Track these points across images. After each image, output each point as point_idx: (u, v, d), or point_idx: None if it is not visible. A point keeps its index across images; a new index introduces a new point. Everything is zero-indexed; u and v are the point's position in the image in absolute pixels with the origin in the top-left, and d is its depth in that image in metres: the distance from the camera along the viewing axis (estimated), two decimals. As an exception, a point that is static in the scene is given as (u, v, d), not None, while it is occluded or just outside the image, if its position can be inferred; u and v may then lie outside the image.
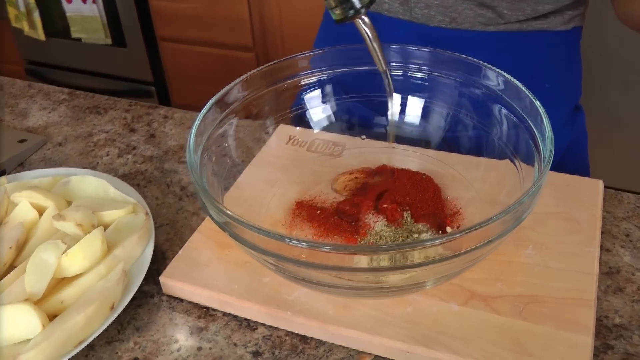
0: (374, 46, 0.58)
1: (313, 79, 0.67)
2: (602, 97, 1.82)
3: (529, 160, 0.56)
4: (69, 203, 0.68)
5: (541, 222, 0.62)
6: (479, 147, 0.63)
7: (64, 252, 0.59)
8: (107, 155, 0.81)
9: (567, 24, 0.77)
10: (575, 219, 0.62)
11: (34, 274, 0.58)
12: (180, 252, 0.63)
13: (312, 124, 0.69)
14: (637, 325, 0.55)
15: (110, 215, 0.65)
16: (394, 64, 0.64)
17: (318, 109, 0.68)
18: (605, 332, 0.54)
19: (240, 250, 0.61)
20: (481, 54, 0.64)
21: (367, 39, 0.57)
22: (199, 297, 0.59)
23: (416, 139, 0.68)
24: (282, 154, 0.73)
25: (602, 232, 0.63)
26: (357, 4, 0.55)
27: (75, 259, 0.59)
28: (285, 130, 0.74)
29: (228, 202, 0.66)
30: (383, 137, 0.69)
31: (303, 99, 0.67)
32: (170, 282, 0.60)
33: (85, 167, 0.78)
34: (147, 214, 0.65)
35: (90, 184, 0.70)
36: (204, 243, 0.63)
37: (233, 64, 2.17)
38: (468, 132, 0.64)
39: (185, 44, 2.19)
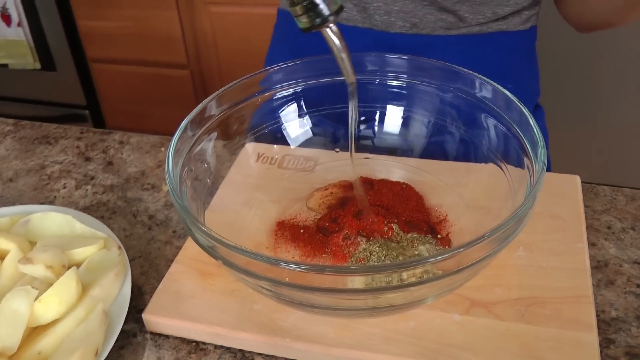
0: (342, 56, 0.55)
1: (288, 92, 0.65)
2: (559, 95, 1.87)
3: (516, 162, 0.56)
4: (33, 244, 0.63)
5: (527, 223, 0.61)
6: (463, 153, 0.63)
7: (36, 299, 0.54)
8: (64, 187, 0.76)
9: (525, 24, 0.78)
10: (559, 216, 0.62)
11: (5, 326, 0.53)
12: (160, 286, 0.59)
13: (289, 140, 0.67)
14: (634, 317, 0.55)
15: (81, 253, 0.60)
16: (370, 72, 0.63)
17: (294, 122, 0.66)
18: (604, 326, 0.55)
19: (229, 277, 0.59)
20: (443, 57, 0.64)
21: (335, 49, 0.54)
22: (188, 331, 0.56)
23: (396, 149, 0.67)
24: (254, 173, 0.70)
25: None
26: (325, 12, 0.52)
27: (50, 305, 0.54)
28: (253, 148, 0.71)
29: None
30: (360, 149, 0.67)
31: (278, 114, 0.65)
32: (155, 318, 0.56)
33: (42, 203, 0.73)
34: (119, 248, 0.61)
35: (53, 221, 0.65)
36: (184, 274, 0.60)
37: (168, 83, 2.12)
38: (450, 138, 0.63)
39: (117, 64, 2.12)
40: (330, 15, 0.52)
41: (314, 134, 0.67)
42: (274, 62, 0.64)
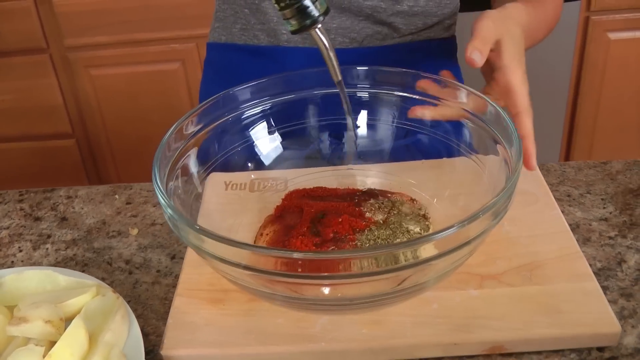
0: (330, 55, 0.58)
1: (257, 110, 0.65)
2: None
3: (487, 151, 0.60)
4: (11, 308, 0.58)
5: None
6: (436, 152, 0.66)
7: (45, 355, 0.50)
8: (20, 251, 0.70)
9: (448, 31, 0.85)
10: (529, 192, 0.68)
11: (18, 390, 0.48)
12: (170, 320, 0.56)
13: (261, 157, 0.67)
14: (616, 263, 0.61)
15: (76, 303, 0.56)
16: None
17: (265, 139, 0.67)
18: (596, 278, 0.60)
19: (240, 298, 0.57)
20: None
21: (324, 47, 0.57)
22: (214, 359, 0.54)
23: (370, 156, 0.69)
24: (226, 200, 0.69)
25: (548, 199, 0.69)
26: (315, 13, 0.55)
27: (63, 358, 0.50)
28: (217, 178, 0.70)
29: (191, 264, 0.62)
30: (336, 160, 0.69)
31: (249, 133, 0.65)
32: (176, 352, 0.54)
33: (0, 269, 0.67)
34: (114, 291, 0.58)
35: (31, 279, 0.60)
36: (192, 305, 0.58)
37: (54, 155, 2.02)
38: (422, 140, 0.66)
39: (-4, 143, 1.99)
40: (319, 16, 0.55)
41: (284, 148, 0.67)
42: (211, 93, 0.65)
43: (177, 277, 0.64)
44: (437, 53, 0.85)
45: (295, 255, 0.45)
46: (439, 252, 0.47)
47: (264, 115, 0.65)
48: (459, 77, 0.91)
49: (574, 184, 0.73)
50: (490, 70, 0.63)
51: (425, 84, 0.64)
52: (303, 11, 0.54)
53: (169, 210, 0.50)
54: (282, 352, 0.53)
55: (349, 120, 0.63)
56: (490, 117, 0.59)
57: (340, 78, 0.59)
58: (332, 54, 0.57)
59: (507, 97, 0.61)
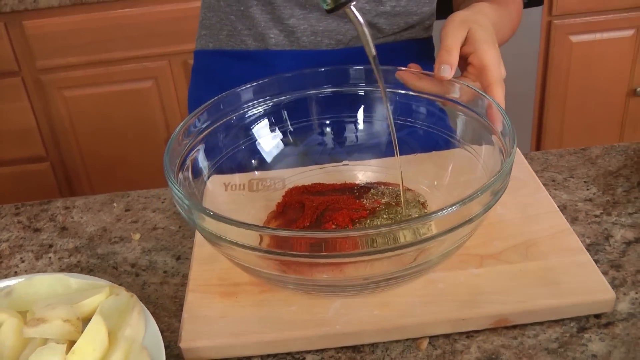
0: (364, 30, 0.60)
1: (259, 109, 0.68)
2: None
3: (481, 141, 0.63)
4: (23, 314, 0.58)
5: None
6: (429, 145, 0.69)
7: (68, 352, 0.51)
8: (23, 261, 0.71)
9: (427, 32, 0.89)
10: (516, 177, 0.71)
11: (44, 387, 0.49)
12: (185, 315, 0.58)
13: (263, 154, 0.69)
14: (603, 239, 0.65)
15: (91, 303, 0.57)
16: (335, 84, 0.68)
17: (267, 137, 0.69)
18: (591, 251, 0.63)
19: (253, 290, 0.59)
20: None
21: (358, 24, 0.59)
22: (233, 348, 0.55)
23: (363, 152, 0.72)
24: (227, 201, 0.71)
25: (534, 184, 0.73)
26: None
27: (85, 354, 0.51)
28: (217, 180, 0.72)
29: (200, 261, 0.63)
30: (335, 157, 0.71)
31: (252, 131, 0.68)
32: (195, 344, 0.55)
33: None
34: (127, 290, 0.59)
35: (42, 284, 0.61)
36: (205, 300, 0.59)
37: (28, 179, 2.00)
38: (418, 134, 0.69)
39: (-33, 169, 1.96)
40: None
41: (285, 145, 0.70)
42: (202, 99, 0.67)
43: (184, 276, 0.66)
44: (417, 52, 0.88)
45: (310, 234, 0.48)
46: (445, 229, 0.50)
47: (265, 114, 0.67)
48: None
49: (557, 169, 0.76)
50: (465, 61, 0.67)
51: (403, 75, 0.67)
52: None
53: (185, 200, 0.52)
54: (299, 337, 0.55)
55: (384, 99, 0.64)
56: (483, 108, 0.62)
57: (375, 53, 0.61)
58: (366, 30, 0.59)
59: (481, 74, 0.64)
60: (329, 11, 0.57)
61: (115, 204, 0.79)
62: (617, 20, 1.70)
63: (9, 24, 1.77)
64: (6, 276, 0.69)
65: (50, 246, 0.73)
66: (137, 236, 0.72)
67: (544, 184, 0.73)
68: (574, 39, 1.72)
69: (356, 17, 0.58)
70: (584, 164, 0.77)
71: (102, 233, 0.74)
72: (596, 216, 0.68)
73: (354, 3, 0.57)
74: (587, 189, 0.73)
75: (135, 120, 1.94)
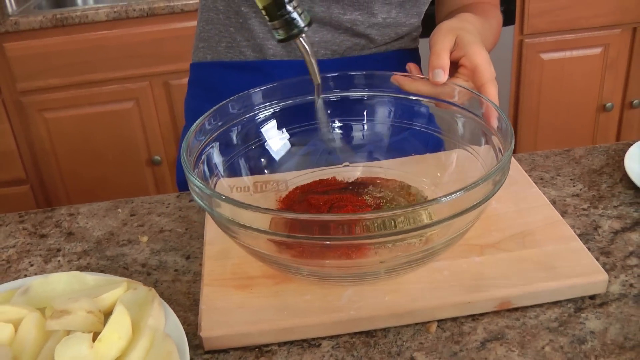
0: (312, 61, 0.65)
1: (268, 112, 0.71)
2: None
3: (480, 142, 0.67)
4: (41, 310, 0.60)
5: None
6: (429, 147, 0.73)
7: (95, 339, 0.52)
8: (32, 265, 0.72)
9: (414, 43, 0.94)
10: (508, 175, 0.75)
11: (73, 373, 0.50)
12: (202, 306, 0.60)
13: (272, 153, 0.72)
14: (592, 229, 0.69)
15: (110, 297, 0.59)
16: (336, 89, 0.72)
17: (276, 139, 0.72)
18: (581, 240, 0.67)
19: (267, 282, 0.61)
20: None
21: (307, 53, 0.64)
22: (252, 336, 0.57)
23: (365, 154, 0.75)
24: (235, 202, 0.74)
25: (523, 182, 0.77)
26: (301, 24, 0.62)
27: (112, 342, 0.53)
28: (223, 183, 0.74)
29: (212, 258, 0.66)
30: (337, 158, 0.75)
31: (261, 131, 0.71)
32: (214, 333, 0.57)
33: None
34: (145, 284, 0.61)
35: (58, 281, 0.62)
36: (220, 293, 0.61)
37: (7, 202, 1.98)
38: (418, 136, 0.73)
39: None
40: (304, 27, 0.62)
41: (296, 145, 0.73)
42: (201, 110, 0.70)
43: (195, 274, 0.68)
44: (406, 61, 0.93)
45: (330, 217, 0.51)
46: (452, 213, 0.54)
47: (273, 116, 0.71)
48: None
49: (544, 169, 0.81)
50: (454, 66, 0.70)
51: (398, 78, 0.71)
52: (290, 22, 0.61)
53: (204, 187, 0.54)
54: (315, 323, 0.57)
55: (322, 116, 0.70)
56: (483, 110, 0.66)
57: (319, 82, 0.67)
58: (313, 60, 0.65)
59: (474, 75, 0.68)
60: (281, 41, 0.62)
61: (120, 210, 0.80)
62: (585, 39, 1.78)
63: (-11, 46, 1.77)
64: (16, 278, 0.70)
65: (58, 250, 0.74)
66: (145, 238, 0.74)
67: (533, 182, 0.77)
68: (545, 56, 1.80)
69: (304, 47, 0.63)
70: (569, 164, 0.82)
71: (109, 237, 0.76)
72: (584, 209, 0.73)
73: (303, 35, 0.62)
74: (574, 186, 0.77)
75: (116, 141, 1.95)
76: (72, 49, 1.80)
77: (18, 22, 1.74)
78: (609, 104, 1.89)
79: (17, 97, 1.85)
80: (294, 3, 0.60)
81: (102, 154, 1.96)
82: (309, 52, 0.64)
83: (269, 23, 0.62)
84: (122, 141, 1.95)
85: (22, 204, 2.00)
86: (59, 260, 0.72)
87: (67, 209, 0.82)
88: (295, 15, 0.61)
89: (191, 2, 1.77)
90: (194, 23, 1.75)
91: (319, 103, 0.70)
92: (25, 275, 0.70)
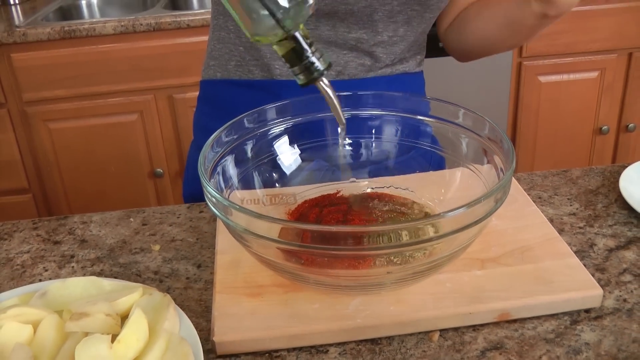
0: (334, 103, 0.65)
1: (281, 128, 0.74)
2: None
3: (483, 161, 0.70)
4: (59, 313, 0.62)
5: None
6: (433, 166, 0.76)
7: (113, 341, 0.55)
8: (46, 270, 0.74)
9: (419, 67, 0.97)
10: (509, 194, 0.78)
11: (92, 373, 0.52)
12: (215, 312, 0.62)
13: (283, 168, 0.75)
14: (588, 246, 0.72)
15: (127, 301, 0.61)
16: (347, 108, 0.75)
17: (287, 154, 0.75)
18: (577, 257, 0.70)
19: (277, 290, 0.64)
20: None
21: (328, 97, 0.64)
22: (263, 342, 0.60)
23: (371, 171, 0.78)
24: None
25: (522, 201, 0.80)
26: (320, 68, 0.61)
27: (130, 343, 0.55)
28: (236, 194, 0.77)
29: (223, 267, 0.68)
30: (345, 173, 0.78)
31: (273, 146, 0.74)
32: (227, 338, 0.59)
33: (37, 283, 0.71)
34: (159, 290, 0.63)
35: (76, 286, 0.64)
36: (232, 300, 0.64)
37: (9, 211, 2.00)
38: (424, 155, 0.76)
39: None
40: (324, 70, 0.62)
41: (306, 160, 0.76)
42: (207, 126, 0.72)
43: (207, 282, 0.70)
44: (410, 86, 0.96)
45: (339, 228, 0.54)
46: (455, 228, 0.56)
47: (286, 132, 0.74)
48: (426, 106, 1.02)
49: (542, 188, 0.84)
50: None
51: None
52: (310, 67, 0.61)
53: (218, 196, 0.57)
54: (324, 330, 0.60)
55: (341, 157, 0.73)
56: (487, 132, 0.69)
57: (344, 122, 0.67)
58: (336, 102, 0.64)
59: None
60: (303, 86, 0.62)
61: (132, 219, 0.83)
62: (583, 63, 1.83)
63: (-4, 56, 1.81)
64: (31, 283, 0.72)
65: (72, 256, 0.76)
66: (157, 247, 0.77)
67: (532, 201, 0.80)
68: (543, 79, 1.84)
69: (326, 90, 0.63)
70: (566, 184, 0.85)
71: (122, 245, 0.78)
72: (580, 228, 0.76)
73: (324, 78, 0.62)
74: (571, 205, 0.80)
75: (119, 154, 1.97)
76: (79, 61, 1.84)
77: (26, 33, 1.77)
78: (605, 127, 1.93)
79: (22, 107, 1.87)
80: (313, 48, 0.61)
81: (104, 165, 1.99)
82: (331, 95, 0.64)
83: (289, 69, 0.62)
84: (125, 153, 1.98)
85: (24, 213, 2.02)
86: (73, 266, 0.75)
87: (80, 217, 0.84)
88: (314, 59, 0.61)
89: (197, 17, 1.81)
90: (199, 38, 1.81)
91: (342, 151, 0.72)
92: (40, 280, 0.73)
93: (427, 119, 0.75)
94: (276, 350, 0.60)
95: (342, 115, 0.66)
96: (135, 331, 0.56)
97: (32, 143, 1.93)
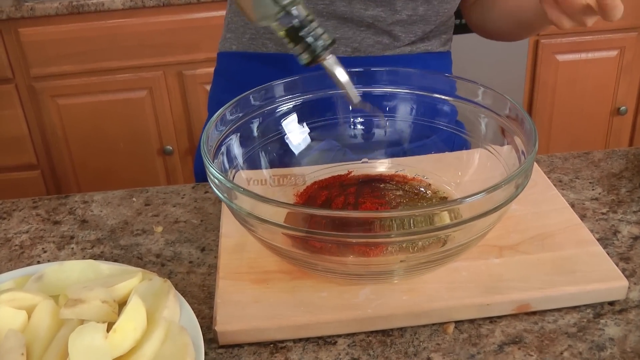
0: (343, 82, 0.60)
1: (290, 105, 0.70)
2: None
3: (502, 142, 0.66)
4: (54, 298, 0.59)
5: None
6: (451, 146, 0.72)
7: (109, 330, 0.52)
8: (45, 252, 0.72)
9: (444, 46, 0.92)
10: (528, 177, 0.74)
11: (88, 363, 0.50)
12: (218, 300, 0.59)
13: (292, 147, 0.72)
14: (612, 234, 0.69)
15: (125, 287, 0.59)
16: (362, 85, 0.71)
17: (296, 132, 0.71)
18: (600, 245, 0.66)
19: (284, 277, 0.61)
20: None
21: (335, 77, 0.59)
22: (267, 332, 0.57)
23: (390, 150, 0.74)
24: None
25: (542, 185, 0.76)
26: (322, 44, 0.57)
27: (127, 332, 0.52)
28: (241, 175, 0.74)
29: (227, 251, 0.65)
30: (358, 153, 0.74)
31: (281, 124, 0.70)
32: (230, 327, 0.57)
33: (34, 266, 0.68)
34: (160, 275, 0.60)
35: (72, 269, 0.62)
36: (236, 286, 0.61)
37: (17, 187, 1.98)
38: (440, 135, 0.72)
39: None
40: (327, 46, 0.58)
41: (316, 140, 0.72)
42: (222, 101, 0.68)
43: (210, 266, 0.67)
44: (433, 66, 0.91)
45: (348, 214, 0.51)
46: (473, 215, 0.53)
47: (294, 110, 0.70)
48: (445, 84, 0.98)
49: (563, 171, 0.80)
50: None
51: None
52: (312, 44, 0.57)
53: (223, 179, 0.54)
54: (332, 320, 0.57)
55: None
56: (507, 111, 0.65)
57: (357, 101, 0.62)
58: (344, 80, 0.60)
59: None
60: (306, 65, 0.58)
61: (134, 199, 0.80)
62: (601, 41, 1.77)
63: (4, 30, 1.77)
64: (29, 264, 0.70)
65: (72, 237, 0.74)
66: (159, 229, 0.74)
67: (553, 184, 0.76)
68: (560, 58, 1.78)
69: (332, 70, 0.59)
70: (588, 167, 0.81)
71: (123, 226, 0.75)
72: (603, 214, 0.72)
73: (329, 57, 0.58)
74: (593, 189, 0.76)
75: (127, 130, 1.94)
76: (87, 36, 1.80)
77: (34, 7, 1.74)
78: (623, 108, 1.87)
79: (30, 82, 1.85)
80: (314, 24, 0.57)
81: (113, 142, 1.96)
82: (337, 73, 0.59)
83: (290, 49, 0.58)
84: (134, 130, 1.95)
85: (33, 189, 2.00)
86: (72, 248, 0.72)
87: (81, 196, 0.82)
88: (315, 36, 0.57)
89: (207, -8, 1.76)
90: (210, 14, 1.77)
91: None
92: (39, 262, 0.70)
93: (443, 96, 0.70)
94: (281, 341, 0.57)
95: (355, 93, 0.62)
96: (132, 320, 0.53)
97: (41, 119, 1.91)
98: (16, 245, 0.73)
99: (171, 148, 1.96)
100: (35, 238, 0.74)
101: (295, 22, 0.56)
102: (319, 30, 0.57)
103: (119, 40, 1.82)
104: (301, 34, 0.56)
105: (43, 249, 0.72)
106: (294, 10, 0.55)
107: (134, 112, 1.92)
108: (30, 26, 1.77)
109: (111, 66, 1.85)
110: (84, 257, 0.70)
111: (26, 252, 0.72)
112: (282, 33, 0.57)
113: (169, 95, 1.91)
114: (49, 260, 0.70)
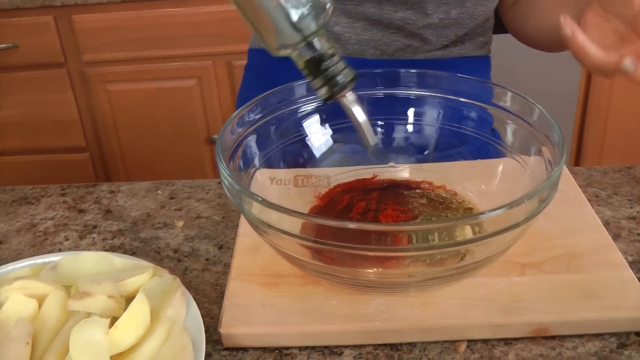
0: (360, 122, 0.56)
1: (311, 106, 0.69)
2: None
3: (530, 152, 0.63)
4: (67, 288, 0.60)
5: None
6: (477, 153, 0.69)
7: (111, 326, 0.52)
8: (67, 239, 0.73)
9: (481, 50, 0.88)
10: (561, 190, 0.69)
11: (87, 358, 0.50)
12: (226, 301, 0.59)
13: (313, 149, 0.70)
14: (647, 259, 0.64)
15: (134, 282, 0.58)
16: (386, 87, 0.69)
17: (318, 134, 0.70)
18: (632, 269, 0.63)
19: (294, 282, 0.60)
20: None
21: (352, 115, 0.56)
22: (271, 338, 0.56)
23: (416, 155, 0.72)
24: (273, 195, 0.71)
25: (577, 199, 0.72)
26: (342, 82, 0.54)
27: (128, 330, 0.52)
28: (264, 174, 0.73)
29: (242, 251, 0.64)
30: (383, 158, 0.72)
31: (302, 126, 0.69)
32: (235, 330, 0.56)
33: (54, 254, 0.69)
34: (171, 272, 0.60)
35: (86, 261, 0.62)
36: (246, 288, 0.60)
37: (67, 168, 2.04)
38: (466, 141, 0.69)
39: (10, 155, 2.01)
40: (348, 83, 0.54)
41: (334, 142, 0.71)
42: (248, 98, 0.67)
43: (226, 265, 0.67)
44: (468, 71, 0.87)
45: (363, 226, 0.49)
46: (491, 231, 0.50)
47: (317, 111, 0.69)
48: (490, 96, 0.94)
49: (601, 186, 0.76)
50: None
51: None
52: (331, 79, 0.54)
53: (234, 184, 0.53)
54: (339, 330, 0.55)
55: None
56: (535, 119, 0.62)
57: (374, 143, 0.58)
58: (363, 121, 0.56)
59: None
60: (324, 101, 0.55)
61: (160, 192, 0.80)
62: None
63: (58, 17, 1.82)
64: (50, 252, 0.71)
65: (94, 227, 0.74)
66: (180, 223, 0.74)
67: (589, 200, 0.72)
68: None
69: (350, 109, 0.55)
70: (629, 182, 0.76)
71: (145, 218, 0.75)
72: (639, 235, 0.68)
73: (348, 94, 0.54)
74: (631, 207, 0.72)
75: (175, 118, 1.97)
76: (138, 24, 1.83)
77: (87, -5, 1.77)
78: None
79: (82, 68, 1.89)
80: (336, 58, 0.53)
81: (161, 129, 1.99)
82: (355, 113, 0.55)
83: (310, 82, 0.55)
84: (182, 118, 1.98)
85: (81, 171, 2.05)
86: (94, 238, 0.73)
87: (109, 186, 0.82)
88: (336, 71, 0.53)
89: (257, -16, 1.76)
90: (257, 5, 1.76)
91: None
92: (60, 250, 0.71)
93: (472, 101, 0.67)
94: (287, 348, 0.56)
95: (372, 134, 0.57)
96: (134, 317, 0.53)
97: (91, 103, 1.95)
98: (40, 231, 0.74)
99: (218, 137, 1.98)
100: (60, 225, 0.75)
101: (317, 54, 0.53)
102: (340, 65, 0.53)
103: (170, 29, 1.84)
104: (321, 67, 0.53)
105: (65, 236, 0.73)
106: (316, 42, 0.52)
107: (182, 100, 1.94)
108: (83, 13, 1.81)
109: (161, 54, 1.87)
110: (103, 248, 0.71)
111: (49, 239, 0.73)
112: (301, 64, 0.54)
113: (218, 85, 1.93)
114: (70, 249, 0.71)
